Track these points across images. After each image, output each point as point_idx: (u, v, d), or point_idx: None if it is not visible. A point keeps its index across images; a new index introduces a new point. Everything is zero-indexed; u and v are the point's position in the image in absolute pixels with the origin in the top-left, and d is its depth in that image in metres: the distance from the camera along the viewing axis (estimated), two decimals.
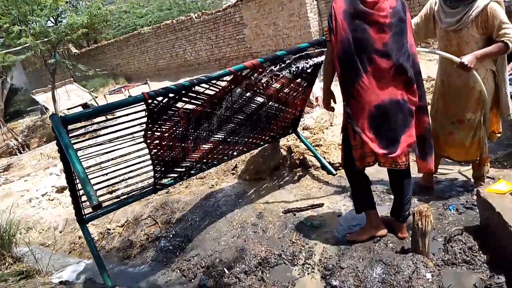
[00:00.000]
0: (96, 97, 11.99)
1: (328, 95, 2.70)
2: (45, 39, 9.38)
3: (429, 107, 2.72)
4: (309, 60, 3.26)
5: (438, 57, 2.95)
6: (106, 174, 2.93)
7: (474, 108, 2.75)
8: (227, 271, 2.80)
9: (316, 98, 4.93)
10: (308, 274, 2.67)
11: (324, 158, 3.87)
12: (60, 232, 4.21)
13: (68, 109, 11.14)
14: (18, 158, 7.63)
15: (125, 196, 3.18)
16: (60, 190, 5.04)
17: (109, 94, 11.88)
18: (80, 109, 11.13)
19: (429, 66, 5.76)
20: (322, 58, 3.09)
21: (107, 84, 15.53)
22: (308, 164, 3.87)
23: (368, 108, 2.34)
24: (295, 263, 2.77)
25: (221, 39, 12.44)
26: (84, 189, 2.08)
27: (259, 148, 4.01)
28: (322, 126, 4.54)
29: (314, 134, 4.31)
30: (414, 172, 3.45)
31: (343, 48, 2.31)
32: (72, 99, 11.72)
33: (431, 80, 5.11)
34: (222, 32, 12.31)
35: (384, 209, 2.96)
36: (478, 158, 2.90)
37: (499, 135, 2.97)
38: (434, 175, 3.20)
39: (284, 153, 4.09)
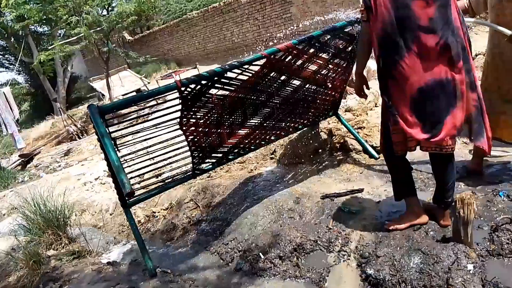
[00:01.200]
0: (148, 82, 12.43)
1: (361, 80, 2.59)
2: (98, 28, 9.80)
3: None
4: (347, 38, 3.14)
5: (488, 29, 2.71)
6: (145, 160, 3.03)
7: None
8: (262, 256, 2.82)
9: None
10: (343, 261, 2.62)
11: (366, 141, 3.73)
12: (111, 214, 4.46)
13: (123, 95, 11.66)
14: (77, 143, 8.14)
15: (165, 181, 3.29)
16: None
17: (161, 79, 12.26)
18: (134, 94, 11.63)
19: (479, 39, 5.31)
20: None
21: (159, 70, 16.02)
22: (349, 147, 3.76)
23: (410, 90, 2.19)
24: (331, 249, 2.73)
25: (268, 19, 12.32)
26: (118, 177, 2.17)
27: (298, 132, 3.95)
28: (366, 107, 4.37)
29: (357, 116, 4.16)
30: (463, 155, 3.27)
31: (385, 28, 2.16)
32: (126, 85, 12.26)
33: (480, 55, 4.73)
34: (268, 12, 12.18)
35: (427, 194, 2.82)
36: None
37: None
38: (485, 158, 2.98)
39: (325, 136, 4.00)
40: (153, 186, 3.19)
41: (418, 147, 2.37)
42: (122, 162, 3.22)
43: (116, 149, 2.55)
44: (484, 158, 2.97)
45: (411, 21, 2.13)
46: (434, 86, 2.18)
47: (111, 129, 2.52)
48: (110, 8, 10.35)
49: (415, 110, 2.22)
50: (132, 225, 2.98)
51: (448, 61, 2.17)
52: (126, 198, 3.10)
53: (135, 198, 3.11)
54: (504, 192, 2.68)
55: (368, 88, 2.64)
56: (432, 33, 2.13)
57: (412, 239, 2.45)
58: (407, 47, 2.15)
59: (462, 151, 3.30)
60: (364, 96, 2.67)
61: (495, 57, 2.65)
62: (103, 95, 12.41)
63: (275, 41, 11.98)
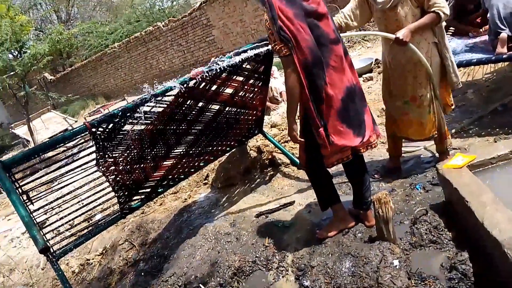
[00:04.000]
0: (75, 121, 11.90)
1: (295, 127, 2.40)
2: (12, 73, 9.27)
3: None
4: (257, 59, 3.22)
5: (381, 40, 2.92)
6: (69, 207, 2.87)
7: (424, 83, 2.72)
8: (203, 287, 2.76)
9: (280, 93, 4.88)
10: (282, 277, 2.63)
11: (293, 154, 3.82)
12: (42, 269, 4.15)
13: (49, 138, 11.04)
14: (2, 197, 7.55)
15: (94, 225, 3.13)
16: None
17: (89, 116, 11.79)
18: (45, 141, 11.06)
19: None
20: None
21: (87, 106, 15.43)
22: (278, 162, 3.83)
23: (336, 105, 2.28)
24: (270, 267, 2.73)
25: (192, 43, 12.36)
26: (30, 233, 2.03)
27: (228, 154, 3.96)
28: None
29: (282, 131, 4.26)
30: (382, 154, 3.45)
31: (311, 52, 2.16)
32: (51, 127, 11.63)
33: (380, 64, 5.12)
34: (191, 37, 12.23)
35: (351, 198, 2.93)
36: (437, 133, 2.87)
37: (452, 107, 2.94)
38: (400, 155, 3.18)
39: (254, 154, 4.04)
40: (82, 233, 3.02)
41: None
42: (47, 211, 3.04)
43: (29, 203, 2.39)
44: (400, 156, 3.17)
45: (325, 37, 2.24)
46: (349, 93, 2.31)
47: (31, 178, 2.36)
48: (23, 51, 9.82)
49: (343, 120, 2.30)
50: (60, 277, 2.78)
51: (349, 66, 2.34)
52: (52, 251, 2.91)
53: (61, 250, 2.92)
54: (420, 184, 2.86)
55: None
56: (339, 43, 2.30)
57: (342, 244, 2.53)
58: (326, 64, 2.23)
59: (381, 150, 3.49)
60: (300, 141, 2.44)
61: (390, 64, 2.84)
62: (27, 141, 11.67)
63: (203, 64, 12.07)
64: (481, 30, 3.77)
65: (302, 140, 2.42)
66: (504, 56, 3.12)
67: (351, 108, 2.32)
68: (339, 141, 2.29)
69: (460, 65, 3.40)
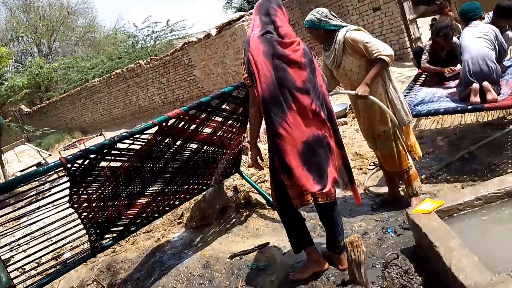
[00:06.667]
0: (49, 155, 11.67)
1: (255, 152, 2.67)
2: None
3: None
4: (236, 101, 3.31)
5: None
6: (38, 244, 2.78)
7: (383, 120, 2.94)
8: None
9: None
10: None
11: (269, 194, 3.84)
12: None
13: (21, 171, 10.74)
14: None
15: (62, 264, 3.03)
16: None
17: (64, 150, 11.58)
18: (34, 169, 10.79)
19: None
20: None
21: (62, 140, 15.18)
22: (254, 202, 3.84)
23: (296, 145, 2.35)
24: None
25: (173, 82, 12.52)
26: None
27: (203, 193, 3.96)
28: (267, 161, 4.54)
29: (259, 171, 4.30)
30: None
31: (268, 88, 2.31)
32: (24, 160, 11.36)
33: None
34: (173, 75, 12.40)
35: (324, 241, 2.95)
36: (407, 170, 2.99)
37: (420, 153, 3.09)
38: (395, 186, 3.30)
39: (231, 193, 4.05)
40: (50, 271, 2.91)
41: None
42: (14, 247, 2.92)
43: None
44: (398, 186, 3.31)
45: (288, 82, 2.34)
46: (314, 140, 2.38)
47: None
48: (1, 82, 9.71)
49: (304, 162, 2.36)
50: None
51: (321, 121, 2.41)
52: None
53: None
54: (392, 228, 2.92)
55: (262, 159, 2.72)
56: (306, 94, 2.37)
57: (315, 287, 2.52)
58: (288, 106, 2.33)
59: None
60: (259, 167, 2.70)
61: (354, 108, 3.16)
62: None
63: (183, 102, 12.15)
64: (455, 68, 4.02)
65: (261, 166, 2.71)
66: (479, 106, 3.28)
67: (314, 154, 2.38)
68: (299, 180, 2.33)
69: (429, 113, 3.58)
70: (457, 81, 3.73)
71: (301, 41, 2.44)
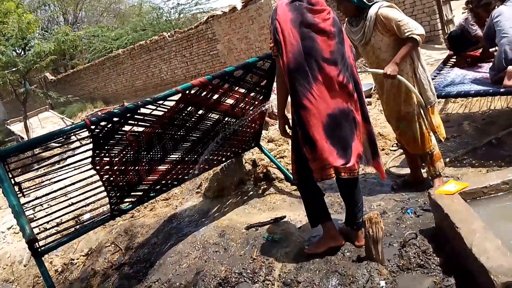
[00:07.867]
0: (72, 123, 11.89)
1: (283, 121, 2.63)
2: (14, 69, 9.29)
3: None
4: (260, 73, 3.27)
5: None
6: (60, 203, 2.85)
7: (408, 101, 2.87)
8: None
9: None
10: None
11: (288, 169, 3.83)
12: (25, 266, 4.08)
13: None
14: None
15: (81, 225, 3.11)
16: None
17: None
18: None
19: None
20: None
21: (85, 109, 15.42)
22: (272, 176, 3.84)
23: (321, 118, 2.31)
24: (256, 280, 2.71)
25: (196, 56, 12.46)
26: (18, 222, 2.02)
27: (222, 164, 3.97)
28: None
29: (279, 146, 4.29)
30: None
31: (294, 58, 2.27)
32: (47, 127, 11.61)
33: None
34: (196, 49, 12.33)
35: (342, 217, 2.93)
36: (429, 152, 2.94)
37: (444, 135, 3.01)
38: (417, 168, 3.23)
39: (249, 167, 4.05)
40: (69, 231, 2.99)
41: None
42: (36, 206, 3.00)
43: (20, 194, 2.37)
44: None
45: (316, 52, 2.28)
46: (339, 113, 2.33)
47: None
48: (27, 48, 9.85)
49: (328, 135, 2.32)
50: (43, 274, 2.74)
51: (347, 93, 2.35)
52: (38, 247, 2.87)
53: (47, 246, 2.89)
54: (412, 209, 2.87)
55: (290, 128, 2.66)
56: (333, 65, 2.31)
57: (330, 261, 2.52)
58: (313, 77, 2.28)
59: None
60: (288, 136, 2.67)
61: (379, 89, 3.07)
62: (22, 138, 11.62)
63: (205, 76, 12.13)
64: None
65: (289, 135, 2.63)
66: None
67: (339, 128, 2.33)
68: (322, 153, 2.30)
69: (459, 95, 3.46)
70: (490, 64, 3.58)
71: (331, 10, 2.37)
